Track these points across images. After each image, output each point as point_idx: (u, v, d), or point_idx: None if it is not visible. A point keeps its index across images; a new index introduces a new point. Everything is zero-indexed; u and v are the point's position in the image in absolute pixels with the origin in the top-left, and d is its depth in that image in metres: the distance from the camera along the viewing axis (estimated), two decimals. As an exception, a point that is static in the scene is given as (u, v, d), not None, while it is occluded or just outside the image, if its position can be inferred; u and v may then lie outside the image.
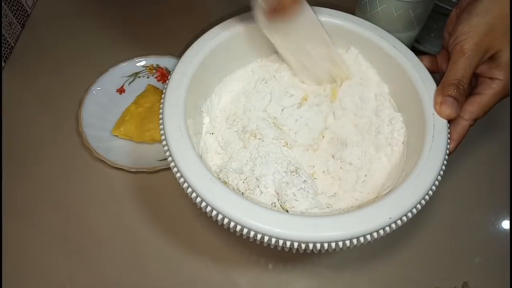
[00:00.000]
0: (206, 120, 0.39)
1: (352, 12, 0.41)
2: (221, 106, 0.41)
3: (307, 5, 0.36)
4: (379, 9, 0.41)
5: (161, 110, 0.33)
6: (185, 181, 0.30)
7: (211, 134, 0.39)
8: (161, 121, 0.33)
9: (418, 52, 0.39)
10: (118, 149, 0.44)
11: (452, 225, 0.41)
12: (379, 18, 0.41)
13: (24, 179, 0.43)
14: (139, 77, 0.50)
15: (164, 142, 0.32)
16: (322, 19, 0.39)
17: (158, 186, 0.42)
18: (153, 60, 0.50)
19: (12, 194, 0.42)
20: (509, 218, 0.42)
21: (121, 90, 0.49)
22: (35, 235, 0.40)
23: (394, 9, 0.40)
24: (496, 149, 0.46)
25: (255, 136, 0.38)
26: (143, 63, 0.50)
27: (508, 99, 0.35)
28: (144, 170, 0.42)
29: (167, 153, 0.31)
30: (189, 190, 0.29)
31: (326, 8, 0.40)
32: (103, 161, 0.42)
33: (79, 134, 0.44)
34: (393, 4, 0.40)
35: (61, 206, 0.41)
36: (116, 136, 0.45)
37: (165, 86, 0.35)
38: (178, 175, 0.30)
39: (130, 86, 0.49)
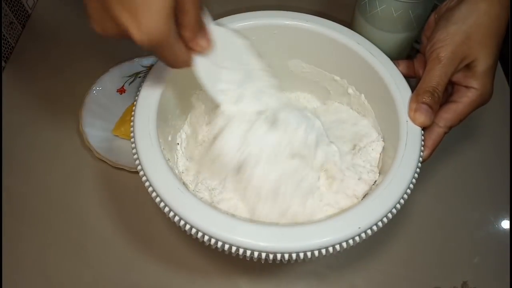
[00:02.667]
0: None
1: (348, 25, 0.40)
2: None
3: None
4: (378, 9, 0.41)
5: (132, 118, 0.32)
6: (153, 190, 0.29)
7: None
8: (132, 134, 0.32)
9: (418, 52, 0.39)
10: (119, 149, 0.44)
11: (451, 225, 0.41)
12: (379, 18, 0.42)
13: (24, 179, 0.43)
14: (140, 77, 0.50)
15: (135, 156, 0.31)
16: (296, 22, 0.38)
17: (159, 186, 0.42)
18: (153, 60, 0.50)
19: (12, 194, 0.42)
20: (508, 218, 0.42)
21: (121, 90, 0.49)
22: (35, 235, 0.40)
23: (393, 10, 0.40)
24: (496, 148, 0.47)
25: None
26: (143, 63, 0.50)
27: (484, 106, 0.35)
28: (145, 170, 0.42)
29: (137, 162, 0.30)
30: (158, 199, 0.29)
31: (305, 14, 0.39)
32: (103, 161, 0.42)
33: (80, 134, 0.44)
34: (392, 5, 0.40)
35: (61, 206, 0.41)
36: (117, 136, 0.45)
37: (139, 88, 0.34)
38: (147, 184, 0.29)
39: (131, 86, 0.49)
